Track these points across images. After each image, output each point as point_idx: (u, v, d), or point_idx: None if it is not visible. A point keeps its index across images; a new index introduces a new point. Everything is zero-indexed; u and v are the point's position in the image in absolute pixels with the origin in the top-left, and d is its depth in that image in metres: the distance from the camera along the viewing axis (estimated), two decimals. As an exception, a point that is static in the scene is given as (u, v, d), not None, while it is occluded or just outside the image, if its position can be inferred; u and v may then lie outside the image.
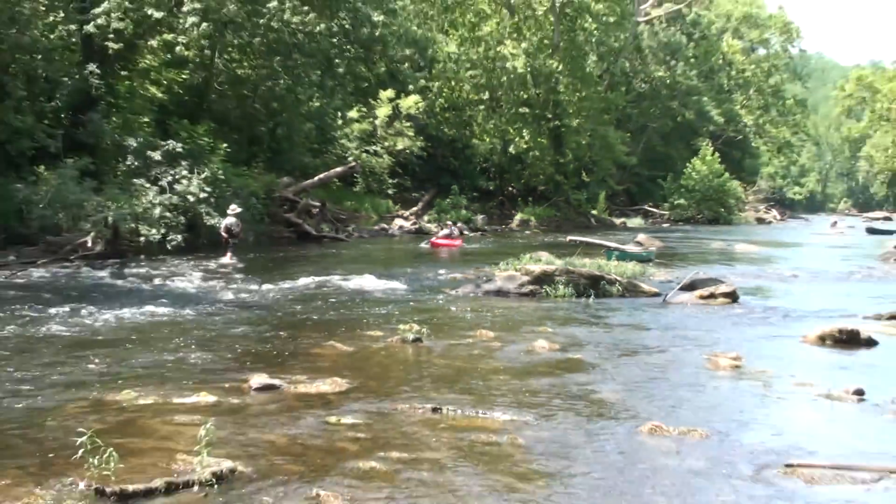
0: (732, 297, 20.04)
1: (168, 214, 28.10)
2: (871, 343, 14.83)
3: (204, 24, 33.93)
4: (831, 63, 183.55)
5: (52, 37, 31.42)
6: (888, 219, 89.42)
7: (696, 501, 7.39)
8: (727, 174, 74.94)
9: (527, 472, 8.03)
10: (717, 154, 74.72)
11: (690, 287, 20.81)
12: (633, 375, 12.26)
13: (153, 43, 34.95)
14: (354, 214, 43.64)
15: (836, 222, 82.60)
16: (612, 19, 57.69)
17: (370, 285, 21.74)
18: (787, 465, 8.20)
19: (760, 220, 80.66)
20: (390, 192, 48.81)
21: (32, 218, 26.95)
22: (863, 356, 14.09)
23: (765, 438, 9.15)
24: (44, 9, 30.90)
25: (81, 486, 7.05)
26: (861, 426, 9.82)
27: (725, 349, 13.70)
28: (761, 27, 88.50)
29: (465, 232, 46.89)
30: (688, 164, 73.05)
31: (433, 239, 36.68)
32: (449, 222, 40.14)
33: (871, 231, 64.02)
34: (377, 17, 38.65)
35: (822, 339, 14.90)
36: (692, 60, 79.10)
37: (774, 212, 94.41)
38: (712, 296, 19.98)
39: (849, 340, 14.82)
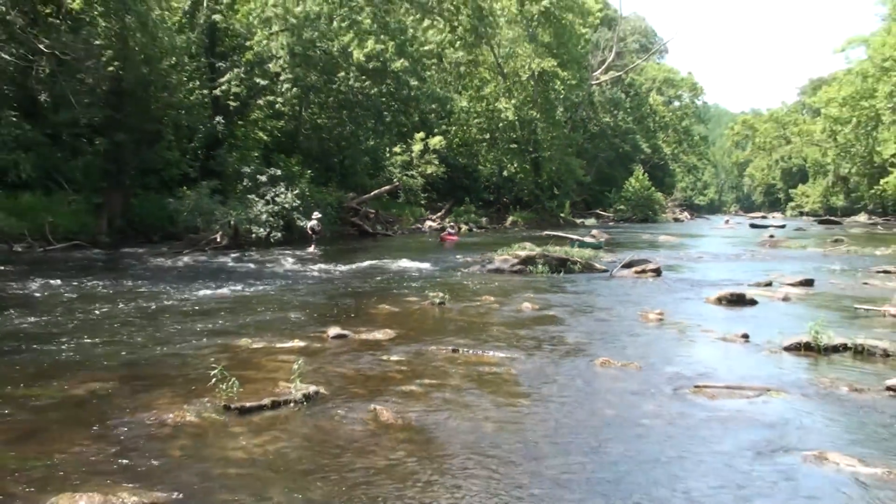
0: (657, 272, 19.98)
1: (271, 219, 28.17)
2: (753, 303, 14.79)
3: (294, 89, 34.01)
4: (725, 110, 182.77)
5: (191, 98, 31.55)
6: (764, 217, 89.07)
7: (633, 411, 7.40)
8: (653, 188, 74.91)
9: (517, 392, 8.05)
10: (646, 174, 74.70)
11: (628, 265, 20.75)
12: (589, 326, 12.25)
13: (260, 102, 34.99)
14: (398, 218, 43.60)
15: (728, 220, 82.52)
16: (573, 82, 57.58)
17: (408, 266, 21.74)
18: (696, 386, 8.21)
19: (677, 219, 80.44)
20: (422, 202, 48.82)
21: (179, 222, 27.16)
22: (747, 312, 14.05)
23: (680, 368, 9.14)
24: (185, 79, 31.00)
25: (215, 403, 7.12)
26: (747, 360, 9.80)
27: (652, 307, 13.67)
28: (676, 86, 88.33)
29: (474, 229, 47.06)
30: (626, 182, 73.03)
31: (444, 234, 36.64)
32: (451, 223, 40.14)
33: (753, 226, 63.85)
34: (413, 83, 38.62)
35: (719, 300, 14.88)
36: (629, 110, 78.99)
37: (686, 213, 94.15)
38: (644, 271, 19.91)
39: (738, 301, 14.81)
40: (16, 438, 6.26)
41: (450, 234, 36.00)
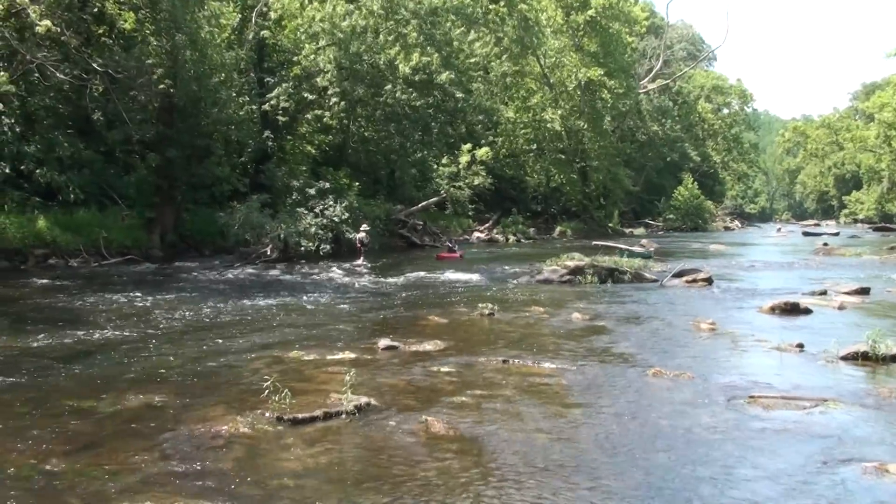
0: (709, 281, 19.78)
1: (320, 232, 28.29)
2: (807, 312, 14.58)
3: (342, 103, 34.25)
4: (775, 117, 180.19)
5: (240, 113, 31.88)
6: (817, 225, 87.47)
7: (686, 421, 7.32)
8: (703, 196, 74.05)
9: (568, 403, 8.02)
10: (695, 183, 73.89)
11: (679, 275, 20.57)
12: (640, 336, 12.16)
13: (308, 116, 35.28)
14: (446, 229, 43.62)
15: (780, 228, 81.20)
16: (620, 91, 57.03)
17: (456, 277, 21.74)
18: (750, 397, 8.10)
19: (727, 228, 79.39)
20: (470, 213, 48.78)
21: (230, 236, 27.45)
22: (802, 321, 13.84)
23: (733, 378, 9.03)
24: (235, 94, 31.39)
25: (267, 415, 7.19)
26: (802, 369, 9.65)
27: (704, 317, 13.52)
28: (725, 94, 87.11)
29: (522, 239, 46.92)
30: (675, 191, 72.30)
31: (440, 253, 31.63)
32: (452, 239, 36.89)
33: (806, 234, 62.78)
34: (459, 95, 38.68)
35: (773, 310, 14.68)
36: (677, 118, 78.10)
37: (737, 222, 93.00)
38: (695, 280, 19.73)
39: (792, 310, 14.60)
40: (73, 450, 6.37)
41: (450, 251, 31.34)
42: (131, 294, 16.74)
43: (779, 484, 5.78)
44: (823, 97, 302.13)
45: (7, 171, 23.79)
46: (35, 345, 10.83)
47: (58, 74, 21.81)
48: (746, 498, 5.51)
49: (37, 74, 22.67)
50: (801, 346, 10.80)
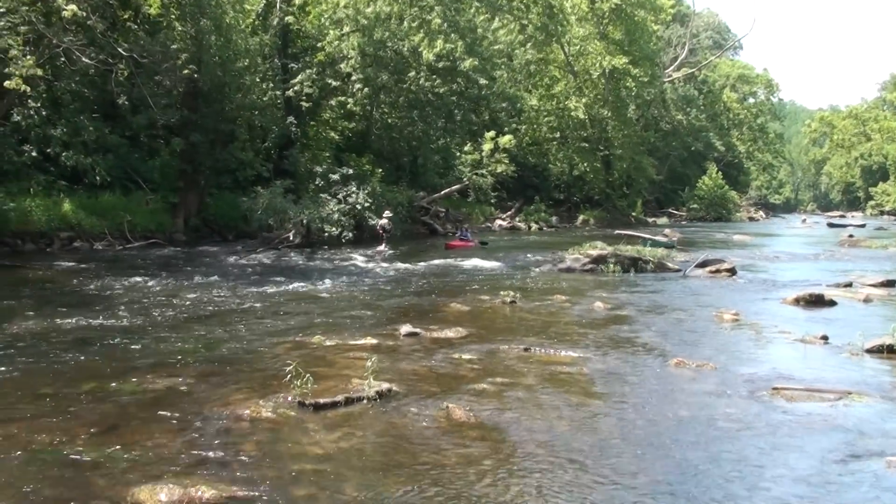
0: (732, 271, 19.65)
1: (343, 218, 28.33)
2: (832, 303, 14.45)
3: (365, 89, 34.28)
4: (801, 107, 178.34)
5: (264, 99, 31.93)
6: (843, 216, 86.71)
7: (708, 412, 7.29)
8: (727, 186, 73.49)
9: (590, 392, 8.00)
10: (719, 173, 73.35)
11: (702, 265, 20.44)
12: (663, 326, 12.10)
13: (331, 102, 35.29)
14: (468, 217, 43.61)
15: (805, 219, 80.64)
16: (645, 80, 56.53)
17: (478, 264, 21.73)
18: (774, 388, 8.05)
19: (751, 219, 78.84)
20: (492, 201, 48.69)
21: (253, 220, 27.55)
22: (826, 313, 13.72)
23: (757, 369, 8.97)
24: (259, 80, 31.43)
25: (289, 399, 7.22)
26: (826, 361, 9.58)
27: (728, 308, 13.44)
28: (751, 83, 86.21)
29: (545, 227, 46.89)
30: (699, 180, 71.86)
31: (450, 241, 30.12)
32: (465, 227, 36.72)
33: (831, 225, 62.30)
34: (482, 82, 38.51)
35: (797, 301, 14.55)
36: (702, 107, 77.46)
37: (761, 212, 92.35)
38: (718, 271, 19.61)
39: (816, 302, 14.47)
40: (98, 432, 6.43)
41: (462, 240, 30.10)
42: (155, 278, 16.86)
43: (801, 476, 5.74)
44: (851, 87, 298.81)
45: (34, 154, 23.99)
46: (59, 327, 10.93)
47: (84, 59, 21.88)
48: (769, 490, 5.47)
49: (63, 59, 22.75)
50: (825, 338, 10.70)
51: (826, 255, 28.11)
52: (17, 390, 7.61)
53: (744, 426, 6.87)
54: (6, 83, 18.08)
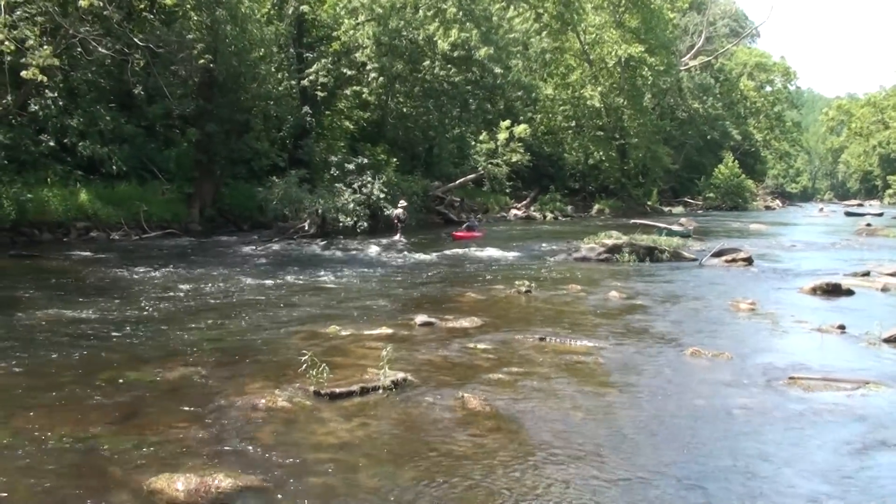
0: (748, 261, 19.58)
1: (358, 207, 28.33)
2: (849, 293, 14.39)
3: (381, 79, 34.24)
4: (818, 95, 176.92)
5: (279, 88, 31.96)
6: (860, 205, 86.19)
7: (724, 401, 7.27)
8: (743, 175, 73.04)
9: (606, 382, 7.99)
10: (736, 161, 72.90)
11: (718, 254, 20.37)
12: (678, 315, 12.08)
13: (347, 92, 35.30)
14: (483, 206, 43.59)
15: (822, 208, 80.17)
16: (661, 68, 56.25)
17: (493, 254, 21.72)
18: (790, 378, 8.02)
19: (768, 207, 78.42)
20: (507, 190, 48.56)
21: (269, 210, 27.60)
22: (843, 302, 13.66)
23: (773, 359, 8.94)
24: (274, 70, 31.45)
25: (305, 388, 7.24)
26: (843, 351, 9.54)
27: (744, 297, 13.40)
28: (768, 71, 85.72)
29: (560, 217, 46.82)
30: (715, 169, 71.47)
31: (457, 231, 29.47)
32: (473, 217, 36.66)
33: (848, 214, 61.92)
34: (498, 71, 38.37)
35: (814, 290, 14.50)
36: (718, 96, 77.02)
37: (778, 201, 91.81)
38: (734, 260, 19.54)
39: (833, 291, 14.42)
40: (115, 421, 6.47)
41: (469, 230, 29.29)
42: (171, 267, 16.93)
43: (818, 466, 5.72)
44: (869, 75, 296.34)
45: (51, 144, 24.09)
46: (75, 317, 10.98)
47: (100, 49, 21.96)
48: (785, 480, 5.45)
49: (79, 49, 22.81)
50: (842, 327, 10.66)
51: (843, 244, 27.95)
52: (34, 380, 7.65)
53: (760, 416, 6.84)
54: (23, 73, 18.14)
